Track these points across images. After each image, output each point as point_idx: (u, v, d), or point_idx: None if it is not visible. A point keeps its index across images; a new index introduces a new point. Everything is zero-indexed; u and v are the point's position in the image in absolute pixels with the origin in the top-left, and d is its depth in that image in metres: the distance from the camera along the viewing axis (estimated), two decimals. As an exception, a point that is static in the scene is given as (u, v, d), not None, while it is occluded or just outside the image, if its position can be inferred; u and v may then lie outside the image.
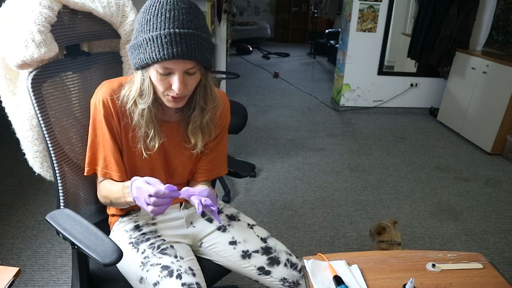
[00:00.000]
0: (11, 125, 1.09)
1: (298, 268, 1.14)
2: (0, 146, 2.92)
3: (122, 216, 1.17)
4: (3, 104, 1.07)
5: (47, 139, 1.04)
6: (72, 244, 0.93)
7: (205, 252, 1.20)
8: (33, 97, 0.99)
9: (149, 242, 1.08)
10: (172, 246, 1.09)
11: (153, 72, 0.94)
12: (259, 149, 3.23)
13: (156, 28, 0.87)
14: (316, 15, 8.05)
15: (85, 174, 1.09)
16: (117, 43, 1.25)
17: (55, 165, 1.06)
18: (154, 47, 0.88)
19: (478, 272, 1.05)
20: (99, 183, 1.10)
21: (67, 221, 0.96)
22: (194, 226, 1.21)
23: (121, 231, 1.13)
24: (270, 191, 2.59)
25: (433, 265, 1.05)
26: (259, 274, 1.14)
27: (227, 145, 1.27)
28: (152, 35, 0.87)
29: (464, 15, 3.63)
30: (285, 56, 7.48)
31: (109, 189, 1.06)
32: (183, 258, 1.06)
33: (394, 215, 2.37)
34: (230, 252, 1.16)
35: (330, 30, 7.47)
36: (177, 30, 0.87)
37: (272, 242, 1.18)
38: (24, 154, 1.13)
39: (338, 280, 0.97)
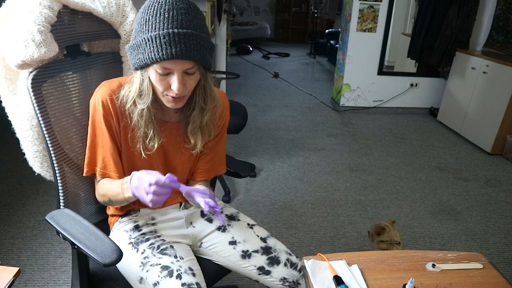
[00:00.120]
0: (11, 125, 1.09)
1: (298, 267, 1.14)
2: (0, 146, 2.92)
3: (122, 216, 1.17)
4: (3, 104, 1.07)
5: (47, 139, 1.04)
6: (72, 244, 0.93)
7: (205, 252, 1.20)
8: (33, 97, 0.99)
9: (149, 242, 1.08)
10: (172, 246, 1.09)
11: (152, 72, 0.94)
12: (259, 149, 3.23)
13: (155, 28, 0.87)
14: (316, 15, 8.05)
15: (84, 174, 1.09)
16: (117, 43, 1.25)
17: (55, 165, 1.07)
18: (153, 47, 0.88)
19: (478, 272, 1.05)
20: (97, 182, 1.10)
21: (67, 221, 0.96)
22: (194, 226, 1.21)
23: (121, 231, 1.13)
24: (270, 191, 2.59)
25: (433, 265, 1.05)
26: (259, 274, 1.14)
27: (226, 145, 1.27)
28: (151, 35, 0.87)
29: (464, 15, 3.63)
30: (285, 56, 7.48)
31: (107, 187, 1.06)
32: (183, 258, 1.06)
33: (394, 215, 2.37)
34: (230, 252, 1.16)
35: (330, 30, 7.46)
36: (176, 30, 0.87)
37: (272, 242, 1.18)
38: (24, 154, 1.13)
39: (338, 280, 0.97)
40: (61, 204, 1.11)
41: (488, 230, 2.28)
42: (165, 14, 0.87)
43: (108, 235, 1.17)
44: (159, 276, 1.00)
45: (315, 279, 0.99)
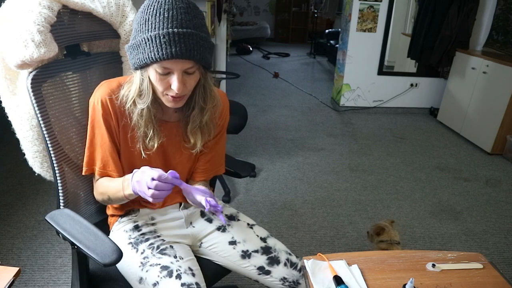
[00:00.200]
0: (11, 125, 1.09)
1: (298, 267, 1.14)
2: (0, 146, 2.92)
3: (122, 216, 1.17)
4: (3, 104, 1.07)
5: (47, 139, 1.04)
6: (72, 244, 0.93)
7: (205, 252, 1.20)
8: (33, 97, 0.99)
9: (148, 242, 1.07)
10: (171, 246, 1.09)
11: (152, 72, 0.94)
12: (259, 149, 3.23)
13: (155, 28, 0.87)
14: (316, 15, 8.05)
15: (83, 173, 1.09)
16: (117, 43, 1.25)
17: (55, 165, 1.07)
18: (153, 47, 0.87)
19: (478, 272, 1.05)
20: (96, 181, 1.10)
21: (67, 221, 0.96)
22: (194, 226, 1.21)
23: (121, 231, 1.13)
24: (270, 191, 2.59)
25: (433, 265, 1.05)
26: (259, 274, 1.14)
27: (225, 145, 1.27)
28: (150, 35, 0.87)
29: (464, 15, 3.63)
30: (285, 56, 7.48)
31: (107, 185, 1.06)
32: (182, 258, 1.06)
33: (394, 215, 2.37)
34: (230, 252, 1.16)
35: (330, 30, 7.46)
36: (175, 29, 0.87)
37: (272, 242, 1.18)
38: (24, 154, 1.13)
39: (338, 280, 0.97)
40: (61, 204, 1.11)
41: (488, 230, 2.28)
42: (165, 13, 0.87)
43: (108, 235, 1.17)
44: (158, 276, 1.00)
45: (315, 279, 0.99)
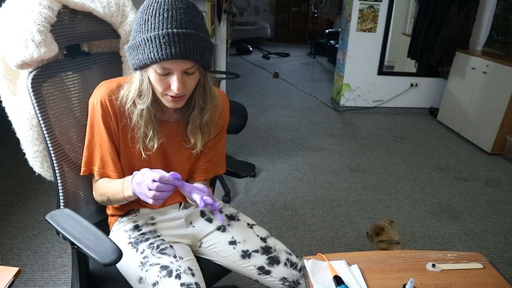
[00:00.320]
0: (11, 125, 1.09)
1: (298, 267, 1.14)
2: (0, 146, 2.92)
3: (122, 216, 1.17)
4: (3, 104, 1.07)
5: (47, 139, 1.04)
6: (72, 244, 0.94)
7: (205, 252, 1.20)
8: (33, 97, 0.99)
9: (148, 242, 1.08)
10: (171, 246, 1.09)
11: (152, 73, 0.94)
12: (259, 149, 3.23)
13: (154, 29, 0.87)
14: (316, 15, 8.05)
15: (81, 173, 1.09)
16: (117, 43, 1.25)
17: (55, 165, 1.07)
18: (153, 47, 0.87)
19: (478, 272, 1.05)
20: (95, 182, 1.10)
21: (67, 221, 0.96)
22: (194, 226, 1.21)
23: (121, 231, 1.13)
24: (270, 191, 2.59)
25: (433, 265, 1.05)
26: (259, 274, 1.14)
27: (225, 145, 1.27)
28: (150, 36, 0.87)
29: (464, 15, 3.63)
30: (285, 56, 7.48)
31: (107, 186, 1.06)
32: (182, 258, 1.06)
33: (394, 215, 2.37)
34: (230, 252, 1.16)
35: (330, 30, 7.46)
36: (175, 30, 0.87)
37: (272, 242, 1.18)
38: (24, 154, 1.13)
39: (338, 280, 0.97)
40: (61, 204, 1.11)
41: (488, 230, 2.28)
42: (164, 14, 0.87)
43: (108, 235, 1.17)
44: (158, 276, 1.00)
45: (315, 279, 0.99)
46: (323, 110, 4.42)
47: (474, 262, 1.08)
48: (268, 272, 1.13)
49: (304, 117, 4.12)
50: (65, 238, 0.94)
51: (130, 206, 1.16)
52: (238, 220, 1.23)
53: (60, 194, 1.10)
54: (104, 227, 1.21)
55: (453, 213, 2.44)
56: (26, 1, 0.96)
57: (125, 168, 1.11)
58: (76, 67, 1.12)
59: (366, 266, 1.05)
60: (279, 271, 1.13)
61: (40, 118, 1.01)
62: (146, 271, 1.02)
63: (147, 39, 0.88)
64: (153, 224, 1.15)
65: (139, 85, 0.97)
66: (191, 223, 1.21)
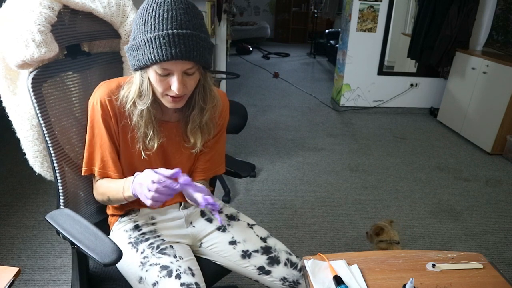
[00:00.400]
0: (11, 125, 1.09)
1: (298, 267, 1.14)
2: (0, 146, 2.92)
3: (122, 216, 1.17)
4: (4, 104, 1.07)
5: (47, 139, 1.04)
6: (72, 244, 0.94)
7: (205, 252, 1.20)
8: (33, 97, 0.99)
9: (148, 242, 1.08)
10: (171, 246, 1.09)
11: (152, 73, 0.94)
12: (259, 149, 3.23)
13: (154, 29, 0.87)
14: (316, 15, 8.05)
15: (82, 174, 1.09)
16: (118, 43, 1.25)
17: (55, 165, 1.07)
18: (153, 48, 0.87)
19: (478, 272, 1.05)
20: (96, 181, 1.10)
21: (67, 221, 0.97)
22: (194, 226, 1.21)
23: (121, 231, 1.13)
24: (270, 191, 2.59)
25: (433, 265, 1.05)
26: (259, 274, 1.14)
27: (225, 144, 1.27)
28: (150, 36, 0.87)
29: (464, 15, 3.63)
30: (285, 56, 7.48)
31: (107, 186, 1.06)
32: (182, 258, 1.06)
33: (394, 215, 2.37)
34: (230, 252, 1.16)
35: (330, 30, 7.46)
36: (175, 31, 0.87)
37: (272, 242, 1.18)
38: (24, 154, 1.13)
39: (338, 280, 0.97)
40: (61, 204, 1.11)
41: (488, 230, 2.28)
42: (164, 14, 0.87)
43: (108, 235, 1.17)
44: (158, 276, 1.00)
45: (315, 279, 0.99)
46: (323, 110, 4.42)
47: (474, 262, 1.08)
48: (268, 272, 1.13)
49: (304, 117, 4.12)
50: (65, 238, 0.94)
51: (130, 206, 1.16)
52: (238, 220, 1.23)
53: (60, 194, 1.10)
54: (104, 227, 1.21)
55: (453, 213, 2.44)
56: (27, 1, 0.96)
57: (125, 168, 1.11)
58: (76, 67, 1.12)
59: (366, 266, 1.05)
60: (279, 271, 1.13)
61: (40, 118, 1.01)
62: (146, 271, 1.02)
63: (147, 40, 0.88)
64: (153, 224, 1.16)
65: (139, 85, 0.97)
66: (191, 223, 1.21)
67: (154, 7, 0.88)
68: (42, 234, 2.01)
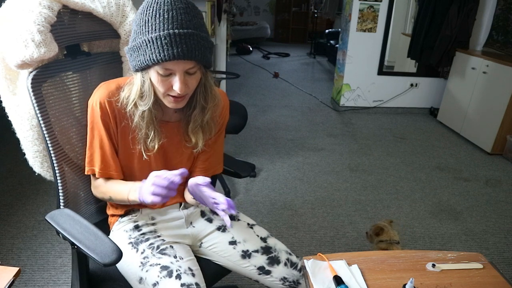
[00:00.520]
0: (11, 125, 1.09)
1: (298, 267, 1.14)
2: (0, 146, 2.92)
3: (122, 216, 1.17)
4: (3, 104, 1.07)
5: (47, 139, 1.04)
6: (72, 244, 0.93)
7: (205, 252, 1.20)
8: (33, 97, 0.99)
9: (148, 242, 1.08)
10: (171, 246, 1.09)
11: (154, 74, 0.94)
12: (259, 149, 3.23)
13: (155, 30, 0.87)
14: (316, 15, 8.05)
15: (85, 173, 1.10)
16: (117, 43, 1.25)
17: (55, 165, 1.07)
18: (154, 48, 0.87)
19: (478, 272, 1.05)
20: (95, 180, 1.11)
21: (67, 221, 0.96)
22: (194, 226, 1.21)
23: (121, 231, 1.13)
24: (270, 191, 2.59)
25: (433, 265, 1.05)
26: (259, 274, 1.14)
27: (223, 144, 1.27)
28: (151, 37, 0.87)
29: (464, 15, 3.63)
30: (285, 56, 7.48)
31: (111, 186, 1.07)
32: (182, 258, 1.06)
33: (394, 215, 2.37)
34: (230, 252, 1.16)
35: (330, 30, 7.46)
36: (176, 30, 0.87)
37: (272, 242, 1.18)
38: (24, 154, 1.13)
39: (338, 280, 0.97)
40: (61, 204, 1.11)
41: (488, 230, 2.28)
42: (165, 14, 0.87)
43: (108, 235, 1.17)
44: (158, 276, 1.00)
45: (315, 279, 0.99)
46: (323, 110, 4.42)
47: (474, 262, 1.08)
48: (268, 272, 1.13)
49: (304, 117, 4.12)
50: (65, 238, 0.94)
51: (130, 206, 1.16)
52: (238, 220, 1.23)
53: (60, 194, 1.10)
54: (104, 227, 1.21)
55: (453, 213, 2.44)
56: (26, 1, 0.96)
57: (124, 169, 1.11)
58: (76, 67, 1.12)
59: (366, 266, 1.05)
60: (279, 271, 1.13)
61: (40, 118, 1.01)
62: (147, 271, 1.02)
63: (148, 40, 0.87)
64: (153, 224, 1.15)
65: (140, 86, 0.97)
66: (191, 223, 1.21)
67: (154, 8, 0.87)
68: (42, 234, 2.01)
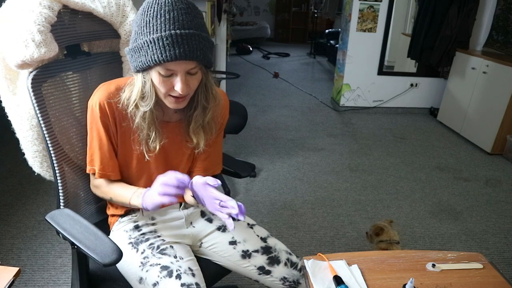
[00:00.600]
0: (11, 125, 1.09)
1: (298, 267, 1.14)
2: (0, 146, 2.92)
3: (122, 216, 1.17)
4: (3, 104, 1.07)
5: (47, 139, 1.04)
6: (72, 244, 0.94)
7: (205, 252, 1.20)
8: (33, 97, 0.99)
9: (148, 242, 1.08)
10: (171, 246, 1.09)
11: (155, 74, 0.93)
12: (259, 149, 3.23)
13: (157, 30, 0.87)
14: (316, 15, 8.05)
15: (87, 171, 1.10)
16: (117, 43, 1.25)
17: (55, 165, 1.07)
18: (156, 49, 0.87)
19: (478, 272, 1.05)
20: (96, 179, 1.11)
21: (67, 221, 0.96)
22: (194, 226, 1.21)
23: (121, 231, 1.13)
24: (270, 191, 2.59)
25: (433, 265, 1.05)
26: (259, 274, 1.14)
27: (222, 144, 1.27)
28: (153, 37, 0.87)
29: (464, 15, 3.63)
30: (285, 56, 7.48)
31: (114, 189, 1.08)
32: (182, 258, 1.06)
33: (394, 215, 2.37)
34: (230, 252, 1.16)
35: (330, 30, 7.46)
36: (178, 31, 0.87)
37: (272, 242, 1.18)
38: (24, 154, 1.13)
39: (338, 280, 0.97)
40: (61, 204, 1.11)
41: (488, 230, 2.28)
42: (166, 15, 0.87)
43: (108, 235, 1.17)
44: (158, 276, 1.00)
45: (315, 279, 0.99)
46: (323, 110, 4.42)
47: (474, 262, 1.08)
48: (268, 272, 1.13)
49: (304, 117, 4.12)
50: (65, 238, 0.94)
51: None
52: (238, 220, 1.23)
53: (60, 194, 1.10)
54: (104, 227, 1.21)
55: (453, 213, 2.44)
56: (26, 1, 0.96)
57: (123, 169, 1.11)
58: (76, 67, 1.12)
59: (366, 266, 1.05)
60: (279, 271, 1.13)
61: (40, 118, 1.01)
62: (147, 271, 1.02)
63: (150, 41, 0.87)
64: (153, 224, 1.15)
65: (141, 87, 0.97)
66: (191, 223, 1.21)
67: (155, 8, 0.87)
68: (42, 234, 2.01)
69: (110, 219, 1.20)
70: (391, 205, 2.50)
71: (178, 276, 0.99)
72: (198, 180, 1.00)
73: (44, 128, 1.02)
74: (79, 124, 1.13)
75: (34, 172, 1.15)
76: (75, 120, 1.12)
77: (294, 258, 1.16)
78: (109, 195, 1.08)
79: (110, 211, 1.19)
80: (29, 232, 2.02)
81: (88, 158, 1.09)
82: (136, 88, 0.98)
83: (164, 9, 0.87)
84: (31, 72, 0.99)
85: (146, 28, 0.88)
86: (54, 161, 1.06)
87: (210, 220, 1.22)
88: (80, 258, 1.02)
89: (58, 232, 0.97)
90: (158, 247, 1.07)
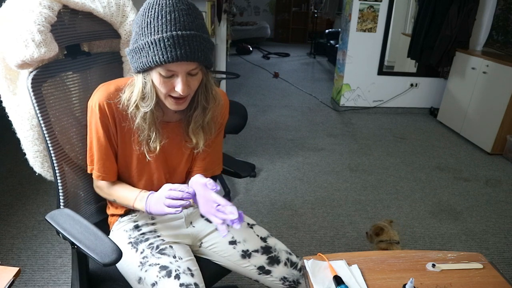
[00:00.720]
0: (11, 125, 1.09)
1: (298, 267, 1.14)
2: (0, 146, 2.92)
3: (122, 216, 1.17)
4: (4, 104, 1.07)
5: (47, 139, 1.04)
6: (72, 244, 0.94)
7: (205, 252, 1.20)
8: (33, 97, 0.99)
9: (148, 242, 1.08)
10: (171, 246, 1.09)
11: (155, 75, 0.93)
12: (259, 149, 3.23)
13: (158, 31, 0.87)
14: (316, 15, 8.05)
15: (88, 171, 1.10)
16: (117, 43, 1.25)
17: (55, 165, 1.07)
18: (157, 50, 0.87)
19: (478, 272, 1.05)
20: (98, 180, 1.11)
21: (67, 221, 0.97)
22: (194, 226, 1.21)
23: (121, 231, 1.13)
24: (270, 191, 2.59)
25: (433, 265, 1.05)
26: (259, 274, 1.14)
27: (222, 144, 1.27)
28: (154, 38, 0.87)
29: (464, 15, 3.63)
30: (285, 56, 7.48)
31: (117, 191, 1.09)
32: (182, 258, 1.06)
33: (394, 215, 2.37)
34: (230, 252, 1.16)
35: (330, 30, 7.46)
36: (179, 32, 0.87)
37: (272, 242, 1.18)
38: (25, 154, 1.13)
39: (338, 280, 0.97)
40: (61, 204, 1.11)
41: (488, 230, 2.28)
42: (167, 16, 0.87)
43: (108, 235, 1.17)
44: (157, 276, 1.00)
45: (315, 279, 0.99)
46: (323, 110, 4.42)
47: (474, 262, 1.08)
48: (268, 272, 1.13)
49: (304, 117, 4.12)
50: (65, 238, 0.94)
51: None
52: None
53: (60, 194, 1.10)
54: (104, 227, 1.21)
55: (453, 213, 2.44)
56: (26, 1, 0.96)
57: (123, 170, 1.11)
58: (76, 67, 1.12)
59: (366, 266, 1.05)
60: (279, 271, 1.13)
61: (40, 118, 1.01)
62: (146, 271, 1.02)
63: (151, 42, 0.87)
64: (153, 224, 1.16)
65: (142, 88, 0.97)
66: (191, 223, 1.21)
67: (156, 9, 0.87)
68: (42, 234, 2.01)
69: (110, 219, 1.20)
70: (391, 205, 2.50)
71: (177, 276, 0.99)
72: (198, 179, 1.00)
73: (44, 128, 1.02)
74: (79, 124, 1.13)
75: (34, 172, 1.15)
76: (75, 120, 1.12)
77: (294, 258, 1.16)
78: (112, 197, 1.10)
79: (110, 211, 1.19)
80: (29, 232, 2.03)
81: (88, 158, 1.09)
82: (137, 88, 0.98)
83: (165, 10, 0.87)
84: (31, 72, 0.99)
85: (147, 29, 0.88)
86: (54, 161, 1.06)
87: (209, 220, 1.22)
88: (80, 258, 1.02)
89: (58, 232, 0.98)
90: (157, 247, 1.07)
